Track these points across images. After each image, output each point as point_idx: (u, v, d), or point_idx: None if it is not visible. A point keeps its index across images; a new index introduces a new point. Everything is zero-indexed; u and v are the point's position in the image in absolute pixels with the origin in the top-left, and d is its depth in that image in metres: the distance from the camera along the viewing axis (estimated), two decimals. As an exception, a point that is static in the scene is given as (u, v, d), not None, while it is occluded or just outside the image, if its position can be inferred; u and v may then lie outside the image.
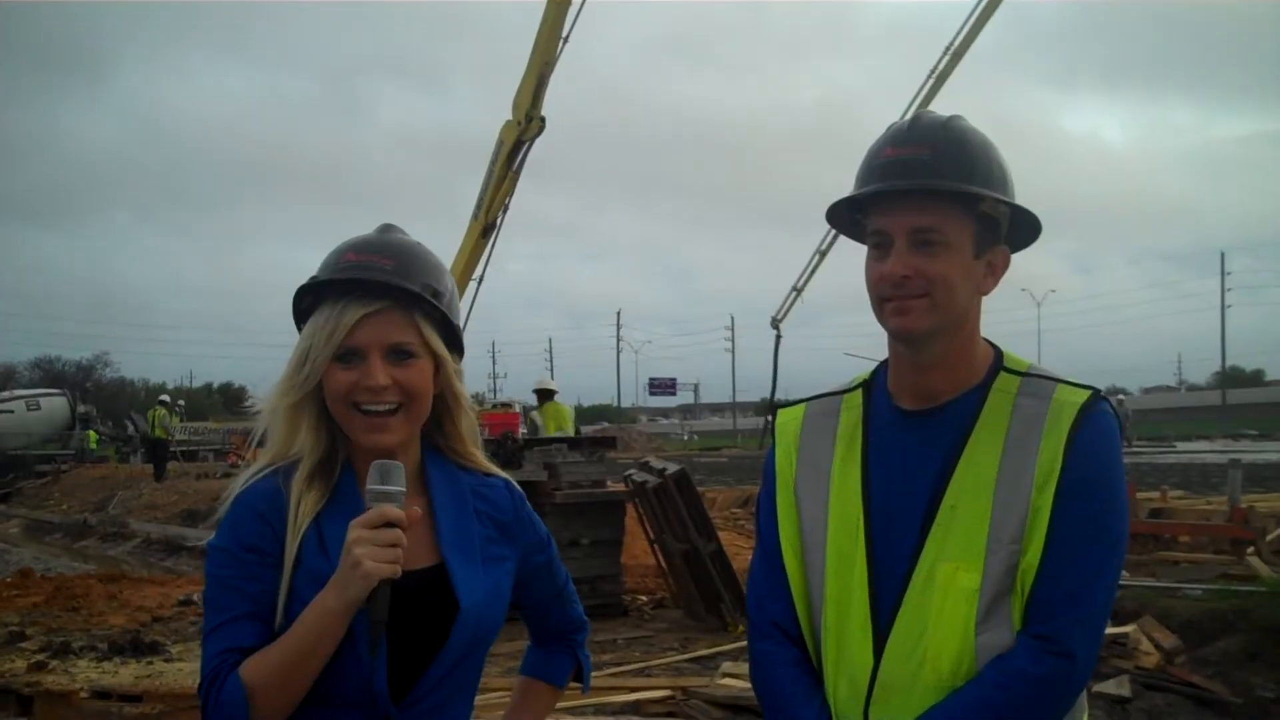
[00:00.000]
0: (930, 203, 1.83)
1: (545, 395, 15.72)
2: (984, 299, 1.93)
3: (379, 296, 1.82)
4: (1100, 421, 1.84)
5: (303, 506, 1.81)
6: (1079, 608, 1.78)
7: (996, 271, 1.92)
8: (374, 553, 1.68)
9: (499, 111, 19.08)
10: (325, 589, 1.72)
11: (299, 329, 1.89)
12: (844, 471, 1.96)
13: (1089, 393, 1.86)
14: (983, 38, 29.04)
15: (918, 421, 1.92)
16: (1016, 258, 1.97)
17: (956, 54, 29.40)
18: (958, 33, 29.25)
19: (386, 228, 1.94)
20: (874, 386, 2.01)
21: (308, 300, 1.88)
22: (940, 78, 29.43)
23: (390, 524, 1.71)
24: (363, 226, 1.94)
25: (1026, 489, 1.81)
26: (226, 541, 1.81)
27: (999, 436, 1.85)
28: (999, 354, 1.95)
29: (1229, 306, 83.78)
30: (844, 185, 1.95)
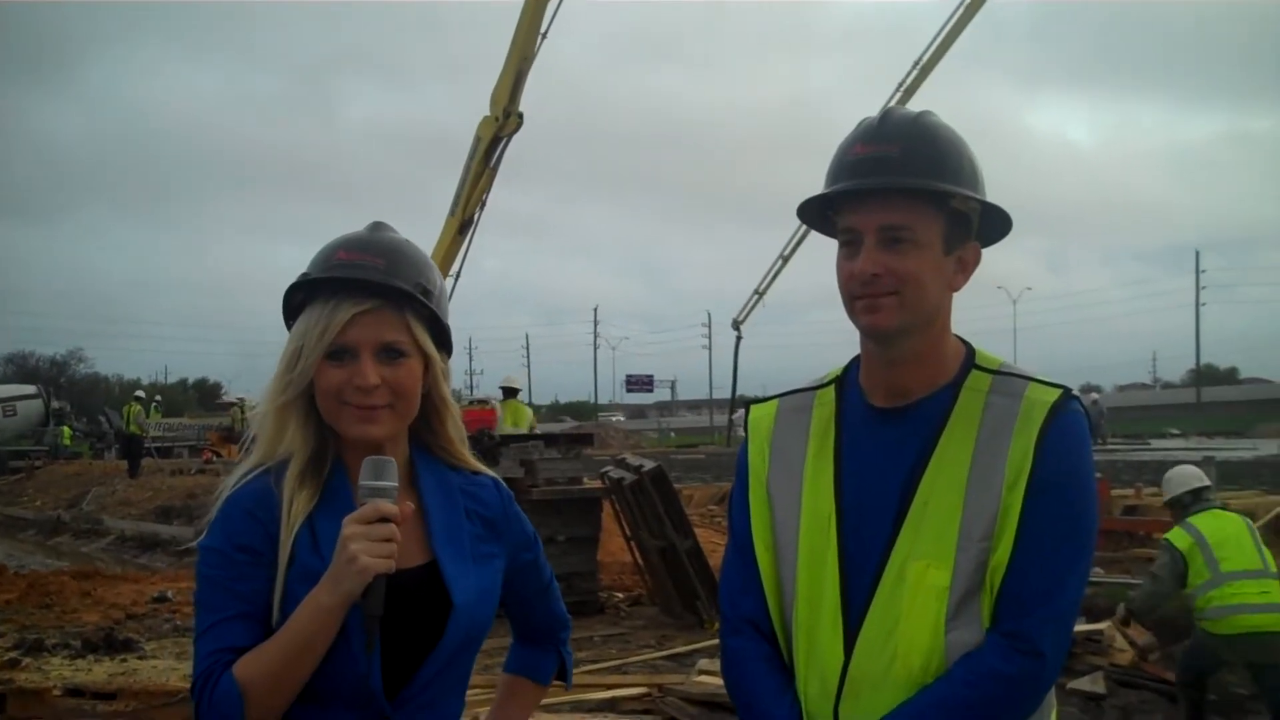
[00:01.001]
0: (899, 200, 1.83)
1: (510, 392, 16.32)
2: (959, 296, 1.93)
3: (371, 295, 1.82)
4: (1071, 420, 1.84)
5: (295, 505, 1.80)
6: (1048, 606, 1.78)
7: (967, 268, 1.92)
8: (369, 548, 1.68)
9: (476, 108, 19.12)
10: (319, 585, 1.71)
11: (289, 327, 1.88)
12: (816, 468, 1.96)
13: (1060, 391, 1.86)
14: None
15: (890, 419, 1.92)
16: (992, 255, 1.97)
17: (925, 69, 29.63)
18: (926, 49, 29.48)
19: (377, 225, 1.94)
20: (846, 383, 2.01)
21: (299, 298, 1.87)
22: (909, 91, 29.60)
23: (384, 519, 1.71)
24: (339, 222, 1.96)
25: (997, 487, 1.81)
26: (218, 541, 1.80)
27: (970, 434, 1.85)
28: (971, 351, 1.95)
29: (1203, 305, 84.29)
30: (819, 182, 1.94)
